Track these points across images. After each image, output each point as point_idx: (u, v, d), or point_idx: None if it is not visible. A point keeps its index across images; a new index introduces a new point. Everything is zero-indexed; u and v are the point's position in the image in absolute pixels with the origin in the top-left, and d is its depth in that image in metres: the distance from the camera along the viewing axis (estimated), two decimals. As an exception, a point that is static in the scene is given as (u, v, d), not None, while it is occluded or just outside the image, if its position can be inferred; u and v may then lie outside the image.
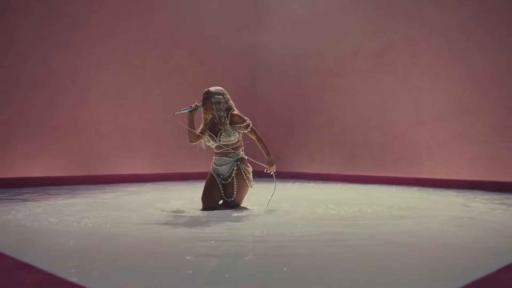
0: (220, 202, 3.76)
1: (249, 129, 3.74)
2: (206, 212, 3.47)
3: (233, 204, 3.66)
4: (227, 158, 3.72)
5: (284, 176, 7.39)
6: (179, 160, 7.23)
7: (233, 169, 3.67)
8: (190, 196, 4.67)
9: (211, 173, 3.78)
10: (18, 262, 1.83)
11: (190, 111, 3.77)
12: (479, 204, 4.18)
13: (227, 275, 1.81)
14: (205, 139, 3.79)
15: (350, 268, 1.92)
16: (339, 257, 2.11)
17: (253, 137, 3.83)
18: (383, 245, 2.37)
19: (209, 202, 3.64)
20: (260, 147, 3.82)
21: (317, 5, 7.80)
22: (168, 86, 7.22)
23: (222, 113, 3.64)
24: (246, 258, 2.12)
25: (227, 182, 3.67)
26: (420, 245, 2.42)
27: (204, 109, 3.74)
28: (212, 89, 3.72)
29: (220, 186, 3.69)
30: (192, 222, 3.06)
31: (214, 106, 3.65)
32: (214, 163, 3.79)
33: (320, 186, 6.26)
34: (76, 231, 2.71)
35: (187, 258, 2.03)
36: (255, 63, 8.70)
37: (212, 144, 3.77)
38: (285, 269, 1.90)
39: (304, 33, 7.97)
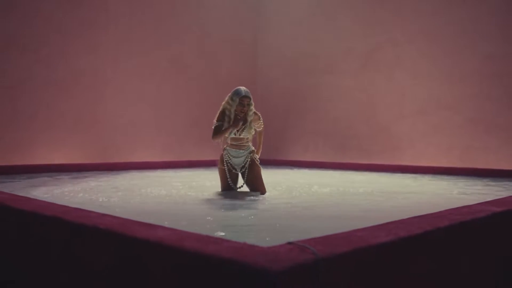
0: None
1: (262, 126, 4.16)
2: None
3: (261, 194, 3.97)
4: (241, 150, 4.04)
5: (282, 163, 8.21)
6: (186, 150, 7.98)
7: (247, 160, 4.03)
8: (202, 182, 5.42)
9: (226, 165, 4.07)
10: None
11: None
12: (436, 186, 4.95)
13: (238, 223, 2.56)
14: (236, 133, 4.02)
15: (331, 212, 2.69)
16: (324, 210, 2.99)
17: (258, 131, 4.18)
18: (349, 206, 3.24)
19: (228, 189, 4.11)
20: (258, 139, 4.25)
21: (312, 10, 8.47)
22: (176, 83, 7.95)
23: (251, 113, 3.98)
24: (255, 215, 2.88)
25: (242, 171, 4.06)
26: (364, 208, 3.25)
27: (242, 111, 3.95)
28: (249, 92, 3.95)
29: (235, 175, 4.11)
30: (214, 199, 3.81)
31: (250, 108, 3.96)
32: (229, 154, 4.06)
33: (314, 172, 7.00)
34: (128, 203, 3.44)
35: (208, 218, 2.78)
36: (255, 62, 9.40)
37: (229, 137, 4.05)
38: (285, 221, 2.65)
39: (300, 35, 8.65)
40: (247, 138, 4.04)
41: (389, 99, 7.35)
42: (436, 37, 6.82)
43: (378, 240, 1.59)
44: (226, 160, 4.08)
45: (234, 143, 4.05)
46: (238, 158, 4.06)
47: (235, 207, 3.34)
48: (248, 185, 4.09)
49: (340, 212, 3.14)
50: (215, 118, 4.08)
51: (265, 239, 2.18)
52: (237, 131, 3.98)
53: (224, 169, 4.10)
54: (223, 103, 4.06)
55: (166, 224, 1.96)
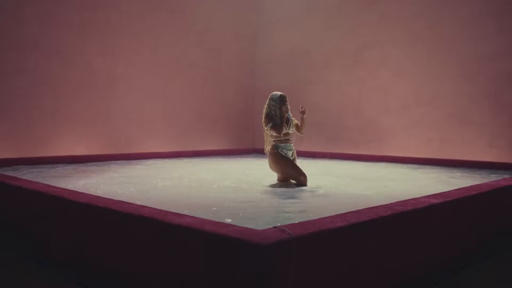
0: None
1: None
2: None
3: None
4: (291, 144, 4.80)
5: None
6: (192, 140, 8.75)
7: (294, 152, 4.85)
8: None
9: (286, 156, 4.74)
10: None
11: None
12: (414, 176, 5.71)
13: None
14: (288, 128, 4.78)
15: (326, 204, 3.46)
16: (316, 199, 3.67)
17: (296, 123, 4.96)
18: (329, 190, 3.92)
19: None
20: (301, 127, 4.96)
21: (306, 11, 9.13)
22: (183, 79, 8.67)
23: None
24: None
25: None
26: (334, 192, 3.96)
27: (283, 108, 4.69)
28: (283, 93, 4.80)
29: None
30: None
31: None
32: (284, 148, 4.73)
33: (308, 161, 7.76)
34: (155, 190, 4.20)
35: (214, 208, 3.55)
36: (254, 59, 10.09)
37: (274, 133, 4.68)
38: (288, 208, 3.41)
39: (296, 33, 9.30)
40: (292, 133, 4.80)
41: (375, 95, 8.05)
42: (417, 40, 7.49)
43: (335, 225, 2.36)
44: (285, 154, 4.73)
45: (285, 137, 4.75)
46: (290, 151, 4.78)
47: (237, 197, 4.11)
48: None
49: (332, 200, 3.93)
50: (264, 124, 4.77)
51: (259, 224, 2.94)
52: (287, 126, 4.70)
53: (290, 161, 4.73)
54: (265, 110, 4.81)
55: (186, 212, 2.73)
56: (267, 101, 4.84)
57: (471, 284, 3.12)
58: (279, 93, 4.82)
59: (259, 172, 5.98)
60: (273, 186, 4.76)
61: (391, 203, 2.97)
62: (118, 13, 7.69)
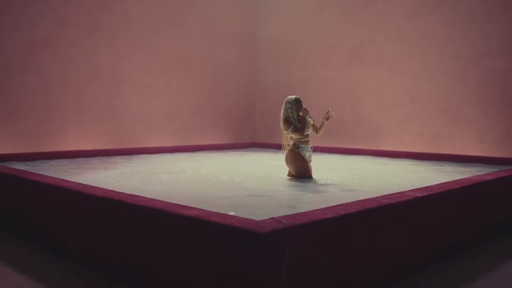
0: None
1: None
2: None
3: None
4: (310, 146, 5.10)
5: (278, 147, 9.22)
6: (194, 135, 9.07)
7: (311, 154, 5.13)
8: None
9: (304, 156, 5.04)
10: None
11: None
12: (406, 169, 6.03)
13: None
14: (307, 130, 5.07)
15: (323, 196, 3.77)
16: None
17: (314, 124, 5.26)
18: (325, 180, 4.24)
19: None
20: (319, 129, 5.27)
21: (305, 9, 9.40)
22: (184, 77, 8.94)
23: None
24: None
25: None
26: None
27: (302, 111, 5.00)
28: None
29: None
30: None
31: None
32: (304, 149, 5.04)
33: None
34: (162, 183, 4.52)
35: (217, 201, 3.87)
36: (254, 57, 10.34)
37: (296, 135, 5.01)
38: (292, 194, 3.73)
39: (294, 31, 9.55)
40: (309, 134, 5.11)
41: (370, 91, 8.34)
42: (411, 39, 7.77)
43: (325, 216, 2.67)
44: (304, 155, 5.05)
45: (305, 139, 5.07)
46: (308, 152, 5.10)
47: (238, 191, 4.42)
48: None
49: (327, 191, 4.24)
50: (283, 128, 5.06)
51: (258, 215, 3.25)
52: (307, 128, 5.01)
53: (307, 162, 5.06)
54: (282, 115, 5.09)
55: (193, 205, 3.05)
56: (283, 105, 5.10)
57: (454, 272, 3.44)
58: (294, 96, 5.11)
59: (259, 166, 6.30)
60: (272, 179, 5.08)
61: (378, 196, 3.27)
62: (122, 13, 7.96)
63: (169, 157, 7.69)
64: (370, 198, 3.19)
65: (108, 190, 3.48)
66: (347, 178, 5.26)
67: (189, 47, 8.99)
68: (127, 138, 8.12)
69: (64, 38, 7.29)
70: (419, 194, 3.47)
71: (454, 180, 4.26)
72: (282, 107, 5.12)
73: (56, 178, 4.11)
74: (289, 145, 5.14)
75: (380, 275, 3.08)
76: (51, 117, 7.20)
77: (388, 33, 8.03)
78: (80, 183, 3.81)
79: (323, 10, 9.04)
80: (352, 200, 3.11)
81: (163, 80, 8.61)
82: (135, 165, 6.42)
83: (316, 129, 5.29)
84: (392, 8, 7.98)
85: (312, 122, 5.20)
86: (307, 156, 5.09)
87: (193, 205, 2.95)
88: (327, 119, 5.24)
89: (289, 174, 5.28)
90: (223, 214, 2.65)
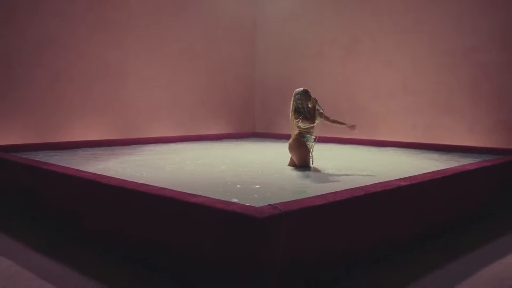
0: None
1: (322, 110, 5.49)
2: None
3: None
4: (313, 136, 5.41)
5: (277, 137, 9.62)
6: (196, 125, 9.41)
7: (313, 145, 5.44)
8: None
9: (307, 145, 5.35)
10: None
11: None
12: (400, 158, 6.37)
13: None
14: (317, 119, 5.34)
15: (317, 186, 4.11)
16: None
17: (324, 115, 5.48)
18: (320, 167, 4.58)
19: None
20: (331, 120, 5.53)
21: (304, 4, 9.63)
22: (186, 70, 9.24)
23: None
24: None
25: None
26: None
27: (312, 101, 5.35)
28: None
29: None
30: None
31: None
32: (308, 140, 5.35)
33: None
34: (167, 173, 4.86)
35: (220, 190, 4.21)
36: (254, 49, 10.64)
37: (305, 125, 5.30)
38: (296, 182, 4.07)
39: (294, 23, 9.81)
40: (315, 125, 5.38)
41: (366, 83, 8.64)
42: (406, 34, 8.04)
43: (316, 203, 3.02)
44: (307, 143, 5.36)
45: (311, 130, 5.37)
46: (311, 143, 5.41)
47: (239, 179, 4.76)
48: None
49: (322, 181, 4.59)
50: (293, 117, 5.35)
51: (258, 203, 3.60)
52: (316, 118, 5.28)
53: (310, 150, 5.38)
54: (292, 105, 5.42)
55: (199, 193, 3.39)
56: (293, 97, 5.43)
57: (435, 254, 3.80)
58: (302, 88, 5.42)
59: (260, 155, 6.64)
60: (273, 168, 5.43)
61: (365, 185, 3.62)
62: (127, 9, 8.25)
63: (173, 146, 8.04)
64: (358, 187, 3.53)
65: (121, 179, 3.82)
66: (344, 167, 5.59)
67: (191, 41, 9.29)
68: (133, 128, 8.46)
69: (72, 34, 7.59)
70: (403, 183, 3.81)
71: (437, 170, 4.58)
72: (292, 99, 5.44)
73: (70, 168, 4.45)
74: (295, 135, 5.46)
75: (366, 256, 3.44)
76: (59, 109, 7.51)
77: (384, 27, 8.31)
78: (94, 173, 4.15)
79: (322, 5, 9.31)
80: (344, 188, 3.45)
81: (166, 73, 8.92)
82: (140, 155, 6.75)
83: (329, 119, 5.55)
84: (388, 4, 8.25)
85: (321, 111, 5.46)
86: (310, 146, 5.42)
87: (199, 193, 3.29)
88: (349, 126, 5.57)
89: (290, 163, 5.61)
90: (227, 201, 3.00)
